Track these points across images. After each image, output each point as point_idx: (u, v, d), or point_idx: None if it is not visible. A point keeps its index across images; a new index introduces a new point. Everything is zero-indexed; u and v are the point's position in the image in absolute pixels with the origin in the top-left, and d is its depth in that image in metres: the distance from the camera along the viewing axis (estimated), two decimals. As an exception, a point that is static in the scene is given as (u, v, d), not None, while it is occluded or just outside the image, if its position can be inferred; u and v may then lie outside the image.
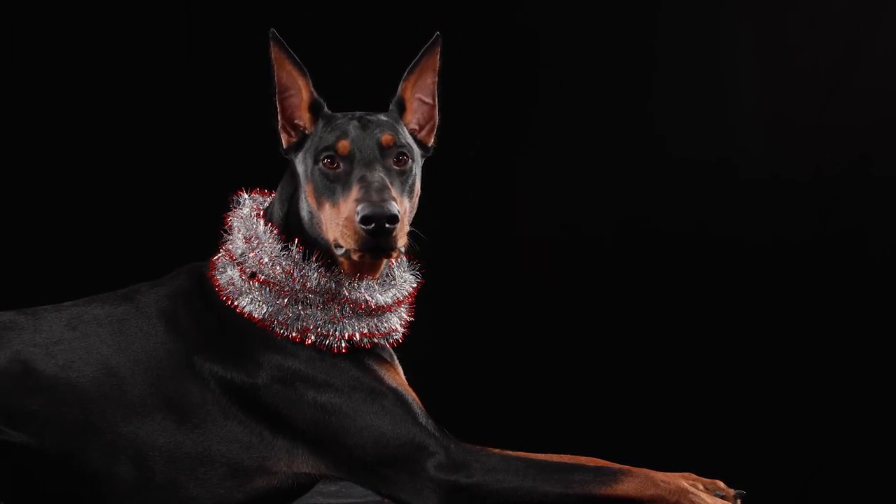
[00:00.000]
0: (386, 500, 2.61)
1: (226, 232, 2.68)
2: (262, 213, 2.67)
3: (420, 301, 2.73)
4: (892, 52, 4.18)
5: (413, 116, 2.73)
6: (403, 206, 2.52)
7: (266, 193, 2.74)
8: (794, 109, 4.23)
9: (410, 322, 2.69)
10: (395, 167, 2.57)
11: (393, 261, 2.67)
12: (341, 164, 2.54)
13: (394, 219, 2.42)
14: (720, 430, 4.17)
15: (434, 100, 2.74)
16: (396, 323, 2.65)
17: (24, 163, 4.12)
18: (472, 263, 4.21)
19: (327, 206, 2.53)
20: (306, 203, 2.59)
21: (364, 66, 3.99)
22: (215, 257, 2.68)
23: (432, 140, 2.76)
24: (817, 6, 4.21)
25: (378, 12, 4.17)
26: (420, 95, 2.73)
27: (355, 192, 2.47)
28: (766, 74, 4.24)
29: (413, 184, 2.61)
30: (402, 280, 2.68)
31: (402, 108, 2.72)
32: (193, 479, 2.53)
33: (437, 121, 2.76)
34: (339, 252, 2.52)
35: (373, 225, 2.42)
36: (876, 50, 4.19)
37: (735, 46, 4.24)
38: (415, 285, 2.70)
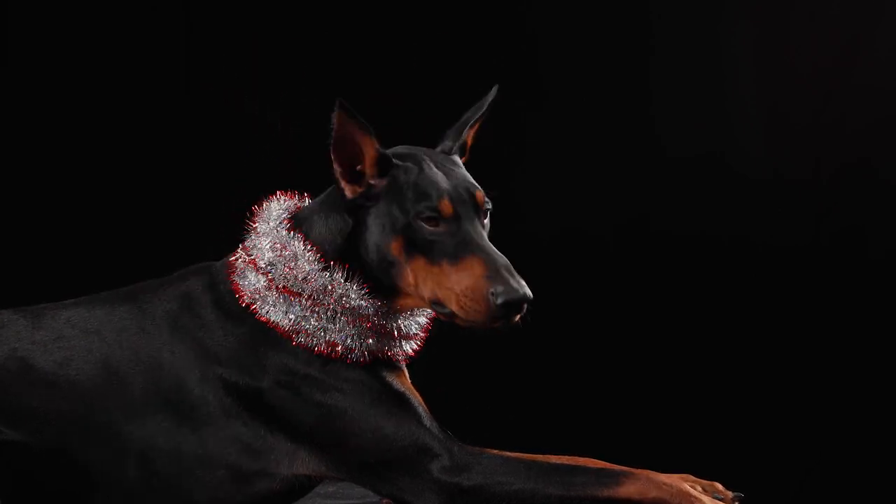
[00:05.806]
0: (385, 501, 2.61)
1: (246, 230, 2.61)
2: (291, 222, 2.58)
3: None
4: (892, 52, 4.19)
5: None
6: None
7: (290, 196, 2.66)
8: (794, 110, 4.23)
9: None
10: (482, 223, 2.54)
11: None
12: (441, 224, 2.48)
13: (531, 301, 2.43)
14: (718, 431, 4.17)
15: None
16: (415, 346, 2.63)
17: (24, 162, 4.11)
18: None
19: (423, 263, 2.48)
20: (387, 251, 2.51)
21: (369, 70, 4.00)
22: (232, 258, 2.62)
23: None
24: (817, 5, 4.21)
25: (378, 15, 4.16)
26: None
27: (478, 266, 2.44)
28: (766, 75, 4.24)
29: None
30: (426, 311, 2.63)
31: (461, 154, 2.68)
32: (194, 481, 2.51)
33: None
34: (440, 310, 2.49)
35: (513, 310, 2.43)
36: (876, 50, 4.19)
37: (735, 47, 4.24)
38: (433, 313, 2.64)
